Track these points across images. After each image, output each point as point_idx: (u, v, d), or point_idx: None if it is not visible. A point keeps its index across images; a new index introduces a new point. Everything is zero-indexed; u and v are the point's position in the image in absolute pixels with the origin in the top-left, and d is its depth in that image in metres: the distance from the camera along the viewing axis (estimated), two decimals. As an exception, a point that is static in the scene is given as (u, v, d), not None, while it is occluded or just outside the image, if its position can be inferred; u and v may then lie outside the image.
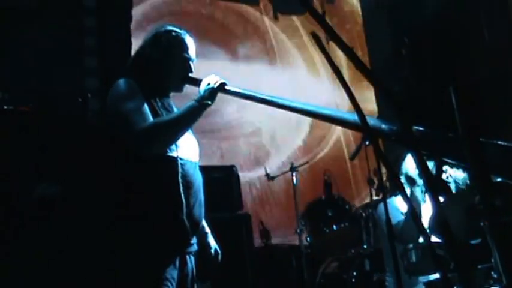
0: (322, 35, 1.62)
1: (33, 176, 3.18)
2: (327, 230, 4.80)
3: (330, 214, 4.85)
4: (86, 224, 3.08)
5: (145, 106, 2.31)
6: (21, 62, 3.98)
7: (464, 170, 3.34)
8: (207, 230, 2.59)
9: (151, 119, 2.28)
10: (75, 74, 4.19)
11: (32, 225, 3.04)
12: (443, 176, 3.54)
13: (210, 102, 2.38)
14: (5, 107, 3.53)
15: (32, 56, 4.03)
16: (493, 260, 2.68)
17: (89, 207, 3.10)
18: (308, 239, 4.87)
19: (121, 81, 2.37)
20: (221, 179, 4.32)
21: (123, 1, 4.68)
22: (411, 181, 3.45)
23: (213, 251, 2.56)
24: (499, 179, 2.50)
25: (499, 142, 1.97)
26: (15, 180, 3.13)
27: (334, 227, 4.80)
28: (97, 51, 4.33)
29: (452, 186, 3.59)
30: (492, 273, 2.88)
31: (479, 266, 2.98)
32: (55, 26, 4.18)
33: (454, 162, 3.17)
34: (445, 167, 3.49)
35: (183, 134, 2.35)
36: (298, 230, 4.73)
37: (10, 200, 3.05)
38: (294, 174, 4.90)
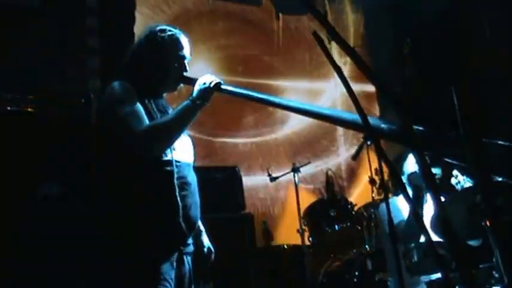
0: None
1: (37, 176, 3.20)
2: (329, 230, 4.80)
3: (332, 214, 4.85)
4: (84, 224, 3.09)
5: (141, 109, 2.29)
6: (23, 62, 3.99)
7: (472, 178, 3.31)
8: (202, 228, 2.58)
9: (147, 121, 2.27)
10: (78, 75, 4.20)
11: (32, 223, 3.05)
12: (452, 181, 3.50)
13: (205, 103, 2.36)
14: (8, 108, 3.55)
15: (34, 56, 4.03)
16: (494, 260, 2.68)
17: (87, 208, 3.11)
18: (310, 239, 4.87)
19: (116, 84, 2.36)
20: (224, 179, 4.32)
21: (126, 1, 4.69)
22: (417, 188, 3.41)
23: (206, 249, 2.56)
24: (500, 179, 2.50)
25: (501, 142, 1.97)
26: (18, 180, 3.14)
27: (336, 227, 4.80)
28: (100, 52, 4.33)
29: None
30: (494, 272, 2.88)
31: (481, 266, 2.97)
32: (57, 26, 4.19)
33: (459, 163, 3.16)
34: (455, 172, 3.46)
35: (180, 134, 2.34)
36: (300, 230, 4.72)
37: (13, 200, 3.07)
38: (295, 174, 4.90)
